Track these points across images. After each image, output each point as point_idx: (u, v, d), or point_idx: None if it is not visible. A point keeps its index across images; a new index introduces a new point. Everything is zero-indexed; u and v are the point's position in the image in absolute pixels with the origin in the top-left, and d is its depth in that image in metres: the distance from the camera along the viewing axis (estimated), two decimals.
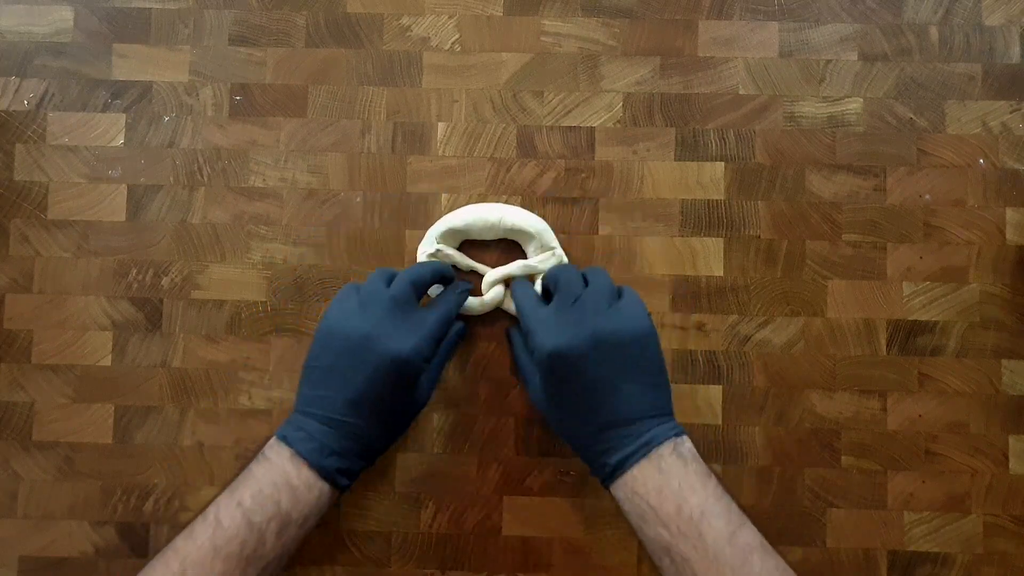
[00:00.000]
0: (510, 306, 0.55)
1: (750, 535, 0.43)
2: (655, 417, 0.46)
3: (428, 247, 0.55)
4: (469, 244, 0.57)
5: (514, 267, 0.55)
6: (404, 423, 0.51)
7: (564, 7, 0.58)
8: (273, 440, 0.48)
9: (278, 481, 0.45)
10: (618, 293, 0.49)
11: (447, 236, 0.55)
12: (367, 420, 0.47)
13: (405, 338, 0.47)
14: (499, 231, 0.55)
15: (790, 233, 0.57)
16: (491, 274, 0.55)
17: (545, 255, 0.55)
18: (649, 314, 0.48)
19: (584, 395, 0.46)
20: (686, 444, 0.46)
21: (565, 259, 0.55)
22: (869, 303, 0.56)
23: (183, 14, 0.59)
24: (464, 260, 0.56)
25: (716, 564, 0.42)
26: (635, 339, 0.47)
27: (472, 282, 0.56)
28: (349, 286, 0.51)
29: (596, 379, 0.46)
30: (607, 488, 0.47)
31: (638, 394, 0.46)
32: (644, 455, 0.45)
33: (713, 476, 0.45)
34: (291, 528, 0.45)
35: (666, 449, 0.45)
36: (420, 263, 0.54)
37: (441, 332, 0.49)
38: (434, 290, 0.55)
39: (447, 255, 0.55)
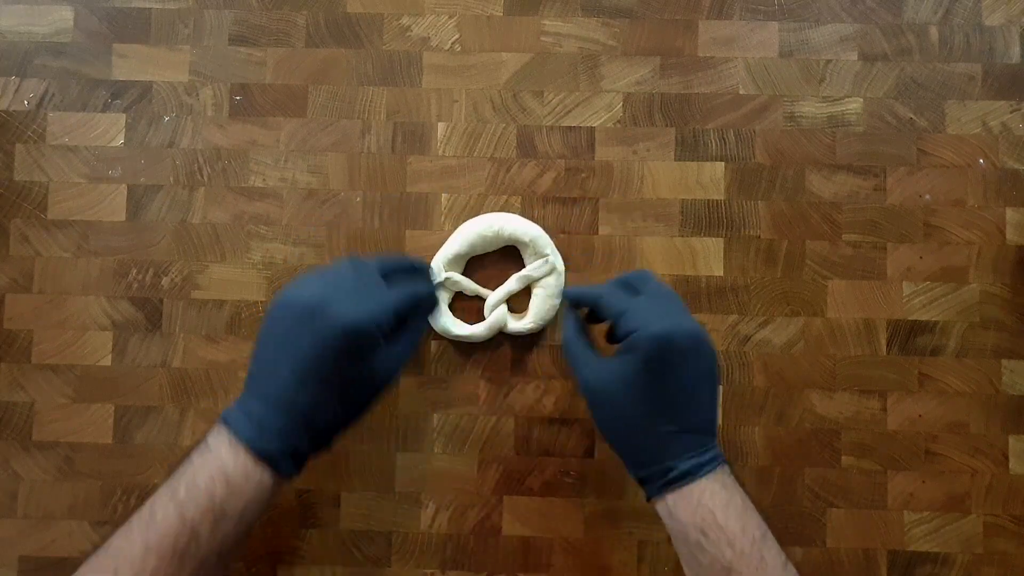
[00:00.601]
0: (511, 328, 0.55)
1: (792, 568, 0.43)
2: (714, 435, 0.46)
3: (435, 276, 0.55)
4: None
5: (511, 283, 0.55)
6: (362, 402, 0.47)
7: (564, 7, 0.58)
8: (216, 424, 0.45)
9: (213, 471, 0.42)
10: None
11: (452, 262, 0.55)
12: (315, 394, 0.44)
13: (360, 305, 0.44)
14: (499, 243, 0.55)
15: (790, 233, 0.57)
16: (492, 297, 0.55)
17: (539, 262, 0.55)
18: None
19: (679, 390, 0.44)
20: (730, 472, 0.45)
21: (560, 265, 0.55)
22: (869, 303, 0.56)
23: (183, 14, 0.59)
24: (471, 286, 0.55)
25: None
26: (713, 352, 0.46)
27: (477, 304, 0.56)
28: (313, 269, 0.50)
29: (693, 377, 0.45)
30: (658, 495, 0.44)
31: (710, 406, 0.46)
32: (712, 469, 0.44)
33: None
34: (227, 522, 0.42)
35: (725, 469, 0.44)
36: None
37: (403, 306, 0.47)
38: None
39: (455, 282, 0.55)
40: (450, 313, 0.55)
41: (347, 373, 0.44)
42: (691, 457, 0.43)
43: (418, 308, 0.50)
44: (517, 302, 0.56)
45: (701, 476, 0.43)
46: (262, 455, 0.43)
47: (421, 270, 0.53)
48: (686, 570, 0.45)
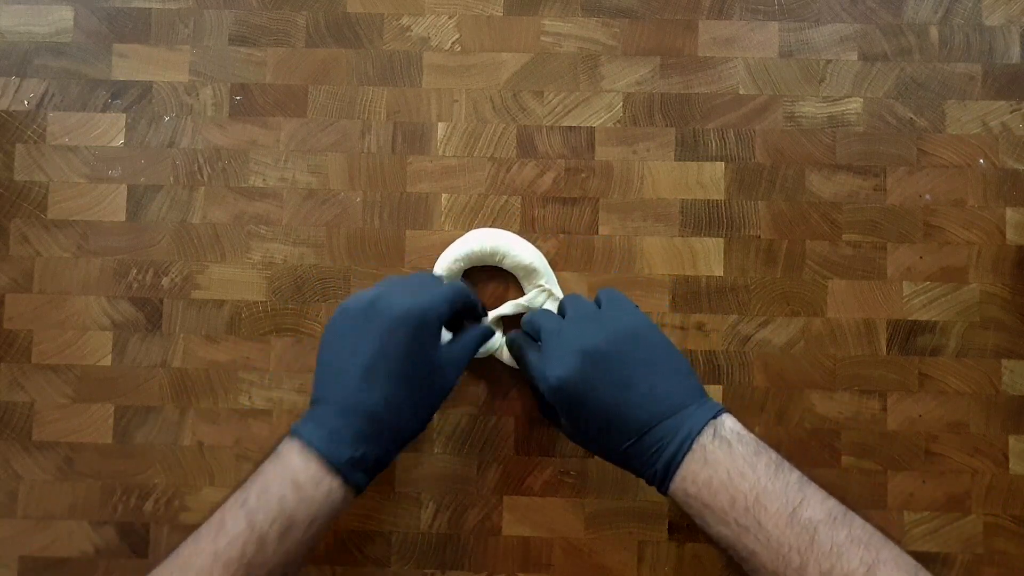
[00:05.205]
0: (503, 358, 0.54)
1: (813, 508, 0.40)
2: (687, 406, 0.43)
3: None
4: (471, 271, 0.56)
5: (506, 308, 0.55)
6: (428, 399, 0.46)
7: (564, 7, 0.58)
8: (286, 435, 0.45)
9: (284, 478, 0.42)
10: (597, 303, 0.47)
11: (451, 274, 0.55)
12: (382, 391, 0.43)
13: (414, 296, 0.45)
14: (499, 264, 0.55)
15: (790, 233, 0.57)
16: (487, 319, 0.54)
17: (534, 292, 0.54)
18: (636, 307, 0.47)
19: (604, 414, 0.43)
20: (727, 423, 0.43)
21: (558, 292, 0.55)
22: (869, 303, 0.56)
23: (183, 14, 0.59)
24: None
25: (780, 551, 0.39)
26: (628, 336, 0.45)
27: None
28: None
29: (607, 394, 0.43)
30: (667, 495, 0.44)
31: (659, 387, 0.43)
32: (688, 449, 0.41)
33: (764, 452, 0.42)
34: (295, 530, 0.41)
35: (707, 436, 0.42)
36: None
37: (456, 298, 0.47)
38: None
39: None
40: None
41: (410, 364, 0.44)
42: (663, 453, 0.42)
43: (472, 311, 0.50)
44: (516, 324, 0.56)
45: (678, 467, 0.42)
46: (333, 461, 0.42)
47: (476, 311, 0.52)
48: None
